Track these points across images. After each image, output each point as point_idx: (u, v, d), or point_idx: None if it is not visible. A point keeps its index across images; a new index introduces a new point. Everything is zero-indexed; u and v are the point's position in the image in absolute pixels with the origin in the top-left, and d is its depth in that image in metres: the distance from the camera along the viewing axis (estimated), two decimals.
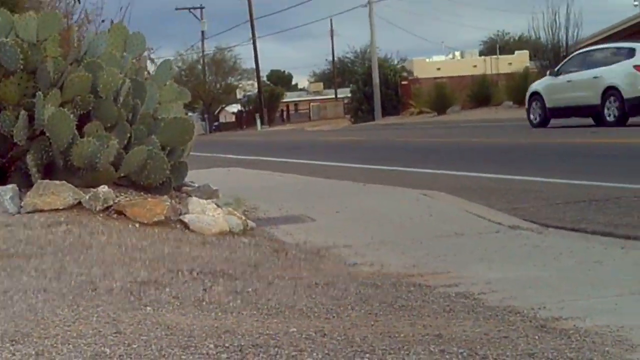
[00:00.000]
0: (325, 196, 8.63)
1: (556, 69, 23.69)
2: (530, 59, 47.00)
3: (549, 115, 22.89)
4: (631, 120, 19.95)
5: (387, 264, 5.10)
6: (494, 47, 69.28)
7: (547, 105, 22.65)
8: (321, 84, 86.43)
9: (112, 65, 6.61)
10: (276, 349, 2.91)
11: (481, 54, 66.75)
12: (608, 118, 20.32)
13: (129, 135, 6.58)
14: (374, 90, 47.53)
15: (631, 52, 20.62)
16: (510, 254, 5.47)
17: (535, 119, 23.38)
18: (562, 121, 22.50)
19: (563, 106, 22.09)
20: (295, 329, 3.28)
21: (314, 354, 2.89)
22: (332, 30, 76.71)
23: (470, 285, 4.44)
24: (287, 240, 6.01)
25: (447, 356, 2.98)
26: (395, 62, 59.75)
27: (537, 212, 7.11)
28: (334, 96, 75.66)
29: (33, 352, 2.71)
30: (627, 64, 20.10)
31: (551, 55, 37.68)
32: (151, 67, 7.96)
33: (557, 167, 10.87)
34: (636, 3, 58.55)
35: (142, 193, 6.46)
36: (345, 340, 3.13)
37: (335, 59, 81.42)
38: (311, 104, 77.48)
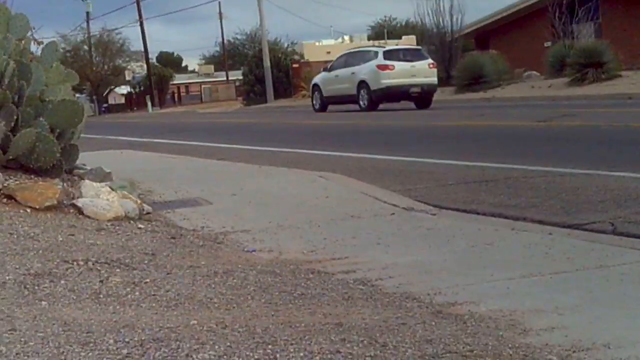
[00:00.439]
0: (220, 178, 8.54)
1: (329, 66, 29.67)
2: (417, 44, 47.73)
3: (325, 102, 28.84)
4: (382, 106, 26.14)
5: (286, 250, 5.07)
6: (382, 32, 70.12)
7: (324, 94, 28.68)
8: (212, 66, 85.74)
9: None
10: (177, 343, 2.83)
11: (370, 38, 67.37)
12: (362, 104, 26.23)
13: (15, 117, 6.38)
14: (265, 73, 47.42)
15: (376, 54, 26.90)
16: (405, 237, 5.50)
17: (317, 105, 29.22)
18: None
19: (334, 95, 28.20)
20: (196, 321, 3.21)
21: (216, 347, 2.83)
22: (220, 13, 76.26)
23: (367, 270, 4.44)
24: (184, 226, 5.90)
25: (348, 345, 2.96)
26: (286, 45, 59.83)
27: (430, 194, 7.20)
28: (225, 79, 75.13)
29: None
30: (372, 64, 26.33)
31: (437, 40, 38.39)
32: (35, 49, 7.69)
33: (446, 149, 11.04)
34: None
35: (32, 176, 6.26)
36: (247, 331, 3.08)
37: (225, 41, 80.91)
38: (202, 86, 76.85)
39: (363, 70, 26.43)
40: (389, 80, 25.56)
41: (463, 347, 2.99)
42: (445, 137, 13.88)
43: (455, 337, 3.13)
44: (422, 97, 25.98)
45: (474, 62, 33.57)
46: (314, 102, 29.54)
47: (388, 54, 26.59)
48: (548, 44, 34.52)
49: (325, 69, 30.07)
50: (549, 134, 13.27)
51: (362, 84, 26.17)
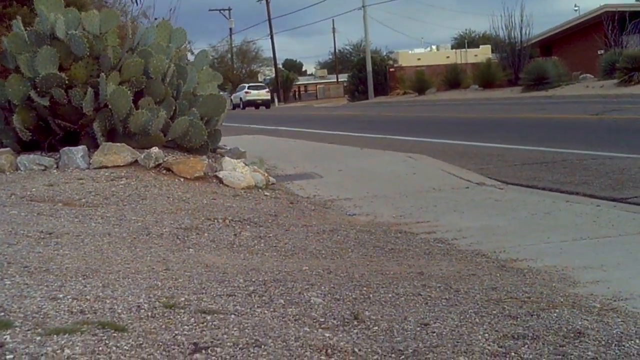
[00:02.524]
0: (330, 158, 8.55)
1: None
2: (492, 52, 46.51)
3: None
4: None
5: (380, 214, 5.04)
6: (463, 42, 68.63)
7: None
8: (325, 70, 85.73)
9: (160, 53, 6.55)
10: (292, 283, 2.86)
11: (453, 47, 66.02)
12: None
13: (174, 108, 6.57)
14: (368, 75, 47.15)
15: (242, 88, 45.09)
16: (477, 206, 5.39)
17: None
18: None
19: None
20: (307, 267, 3.23)
21: (322, 287, 2.84)
22: (333, 28, 76.28)
23: (445, 232, 4.38)
24: (300, 194, 5.95)
25: (427, 289, 2.93)
26: (384, 53, 59.26)
27: (499, 172, 7.04)
28: (335, 80, 75.03)
29: (100, 285, 2.66)
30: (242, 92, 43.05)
31: (508, 49, 37.33)
32: (190, 57, 7.87)
33: (513, 136, 10.74)
34: (576, 8, 57.86)
35: (185, 154, 6.41)
36: (347, 276, 3.08)
37: (337, 50, 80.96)
38: (317, 86, 76.98)
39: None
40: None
41: (522, 294, 2.91)
42: (512, 127, 13.48)
43: (516, 286, 3.05)
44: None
45: (538, 66, 32.51)
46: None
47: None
48: (601, 51, 33.13)
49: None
50: (600, 124, 12.73)
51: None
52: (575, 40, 39.23)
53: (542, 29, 42.00)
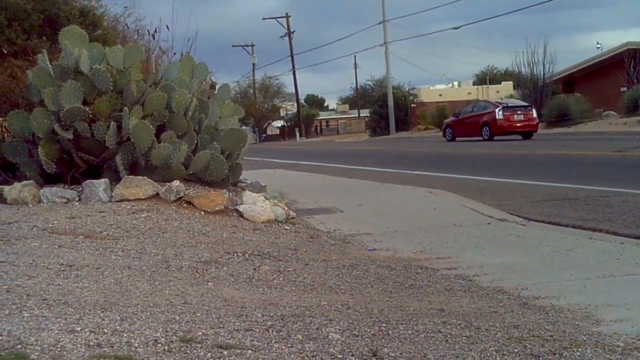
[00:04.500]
0: (350, 192, 8.54)
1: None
2: (514, 88, 46.55)
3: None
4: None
5: (400, 250, 5.00)
6: (485, 78, 68.77)
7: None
8: (347, 105, 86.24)
9: (182, 87, 6.62)
10: (310, 318, 2.83)
11: (474, 83, 66.26)
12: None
13: (195, 141, 6.62)
14: (389, 110, 47.32)
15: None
16: (499, 242, 5.34)
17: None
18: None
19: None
20: (326, 302, 3.20)
21: (341, 323, 2.80)
22: (355, 64, 76.85)
23: (466, 268, 4.33)
24: (320, 228, 5.93)
25: (448, 327, 2.89)
26: (406, 89, 59.48)
27: (521, 208, 6.97)
28: (357, 115, 75.37)
29: (118, 318, 2.65)
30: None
31: (530, 86, 37.34)
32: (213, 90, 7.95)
33: (535, 173, 10.67)
34: (598, 46, 57.89)
35: (206, 187, 6.44)
36: (366, 312, 3.04)
37: (358, 86, 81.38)
38: (339, 121, 77.36)
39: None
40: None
41: (544, 333, 2.86)
42: (535, 163, 13.41)
43: (538, 324, 3.00)
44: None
45: (561, 103, 32.46)
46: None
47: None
48: (624, 89, 33.01)
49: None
50: (623, 161, 12.61)
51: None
52: (597, 77, 39.15)
53: (564, 65, 41.96)
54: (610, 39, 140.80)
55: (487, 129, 27.80)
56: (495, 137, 27.02)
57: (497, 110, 27.79)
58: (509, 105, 28.66)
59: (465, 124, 29.52)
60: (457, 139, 29.61)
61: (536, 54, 36.68)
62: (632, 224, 5.81)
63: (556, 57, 37.43)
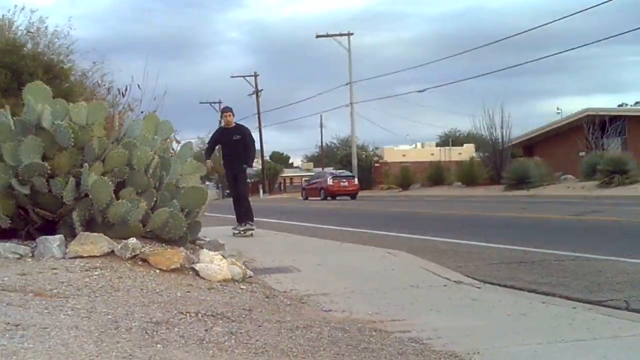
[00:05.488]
0: (310, 252, 8.53)
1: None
2: (475, 151, 47.41)
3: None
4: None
5: (355, 311, 4.98)
6: (448, 140, 69.95)
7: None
8: (311, 163, 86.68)
9: (145, 145, 6.63)
10: None
11: (437, 145, 67.31)
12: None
13: (155, 199, 6.58)
14: (353, 169, 47.76)
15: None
16: (454, 305, 5.35)
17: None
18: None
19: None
20: None
21: None
22: (321, 123, 77.54)
23: (420, 331, 4.32)
24: (277, 288, 5.88)
25: None
26: (371, 149, 60.16)
27: (478, 270, 7.02)
28: None
29: None
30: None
31: (490, 148, 38.08)
32: (176, 146, 7.97)
33: (494, 235, 10.79)
34: (559, 111, 59.50)
35: (163, 245, 6.38)
36: None
37: (323, 144, 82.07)
38: (303, 178, 77.60)
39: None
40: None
41: None
42: (493, 226, 13.57)
43: None
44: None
45: (520, 166, 33.11)
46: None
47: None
48: (582, 153, 33.85)
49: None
50: (580, 225, 12.84)
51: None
52: (557, 142, 40.11)
53: (526, 129, 42.97)
54: (570, 105, 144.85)
55: (323, 191, 38.86)
56: (328, 198, 37.83)
57: (328, 178, 39.29)
58: (337, 175, 40.25)
59: (312, 188, 41.01)
60: (310, 198, 39.87)
61: (493, 118, 37.59)
62: (585, 288, 5.88)
63: (511, 122, 38.38)
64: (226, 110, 11.42)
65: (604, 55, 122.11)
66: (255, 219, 11.59)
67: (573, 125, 37.68)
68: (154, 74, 10.37)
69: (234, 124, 11.50)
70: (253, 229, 11.23)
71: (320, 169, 71.19)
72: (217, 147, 11.81)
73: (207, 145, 12.06)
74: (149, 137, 6.93)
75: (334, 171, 44.28)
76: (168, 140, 7.71)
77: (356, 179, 40.13)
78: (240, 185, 11.48)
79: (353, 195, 37.89)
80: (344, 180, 39.17)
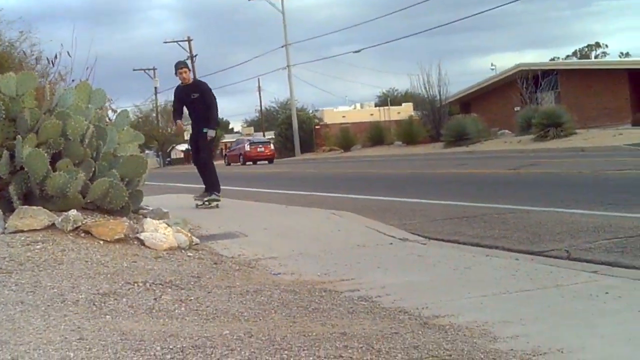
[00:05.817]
0: (255, 216, 8.51)
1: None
2: (414, 109, 47.79)
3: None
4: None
5: (304, 273, 5.01)
6: (386, 100, 70.29)
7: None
8: (252, 128, 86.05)
9: (78, 114, 6.45)
10: (211, 349, 2.78)
11: (376, 105, 67.55)
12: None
13: (93, 169, 6.44)
14: (294, 133, 47.68)
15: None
16: (400, 262, 5.43)
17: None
18: None
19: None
20: (228, 331, 3.15)
21: (242, 352, 2.77)
22: (259, 87, 77.06)
23: (369, 289, 4.37)
24: (225, 254, 5.86)
25: (349, 350, 2.90)
26: (310, 111, 60.02)
27: (422, 227, 7.12)
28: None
29: (9, 357, 2.53)
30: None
31: (429, 106, 38.43)
32: (112, 115, 7.78)
33: (435, 192, 10.96)
34: (493, 67, 60.36)
35: (105, 216, 6.26)
36: (269, 339, 3.02)
37: (263, 109, 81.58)
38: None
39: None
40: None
41: (443, 352, 2.92)
42: (435, 183, 13.78)
43: (437, 344, 3.06)
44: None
45: (458, 123, 33.50)
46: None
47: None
48: (517, 108, 34.49)
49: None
50: (518, 179, 13.14)
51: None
52: (492, 98, 40.77)
53: (461, 87, 43.49)
54: (504, 61, 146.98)
55: (242, 157, 41.48)
56: (247, 163, 39.81)
57: (246, 145, 42.36)
58: (254, 141, 43.72)
59: (233, 154, 43.63)
60: (232, 164, 41.71)
61: (431, 77, 37.85)
62: (526, 240, 6.04)
63: (448, 80, 38.75)
64: (180, 66, 9.97)
65: (532, 12, 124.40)
66: (199, 185, 11.33)
67: (507, 80, 38.28)
68: (85, 42, 9.99)
69: (192, 80, 10.19)
70: (219, 200, 10.01)
71: (260, 134, 71.02)
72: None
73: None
74: (82, 106, 6.74)
75: (251, 138, 48.86)
76: (103, 109, 7.52)
77: (272, 145, 43.93)
78: (201, 151, 10.14)
79: (270, 160, 41.00)
80: (261, 146, 42.57)
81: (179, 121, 10.33)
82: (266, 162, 40.63)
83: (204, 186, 10.30)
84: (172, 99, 10.69)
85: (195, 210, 9.42)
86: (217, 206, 9.80)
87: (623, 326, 3.36)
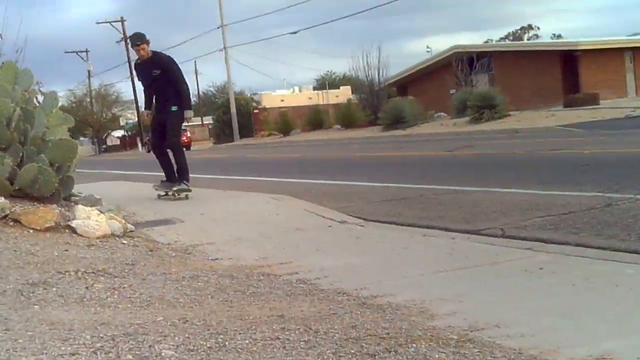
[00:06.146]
0: (192, 201, 8.38)
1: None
2: (352, 93, 47.92)
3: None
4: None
5: (243, 257, 4.95)
6: (325, 83, 70.36)
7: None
8: (191, 112, 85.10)
9: (3, 96, 6.19)
10: (144, 336, 2.69)
11: (315, 88, 67.58)
12: None
13: (21, 154, 6.22)
14: (232, 117, 47.24)
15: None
16: (339, 244, 5.43)
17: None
18: None
19: None
20: (162, 318, 3.07)
21: (176, 338, 2.70)
22: (196, 70, 75.86)
23: (308, 272, 4.35)
24: (161, 240, 5.75)
25: (286, 332, 2.86)
26: (248, 95, 59.60)
27: (360, 209, 7.14)
28: (200, 122, 74.58)
29: None
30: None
31: (367, 89, 38.58)
32: (41, 98, 7.49)
33: (372, 174, 11.01)
34: (428, 50, 61.05)
35: (35, 203, 6.06)
36: (204, 324, 2.95)
37: (200, 92, 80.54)
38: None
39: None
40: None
41: (381, 331, 2.91)
42: (372, 166, 13.86)
43: (376, 323, 3.05)
44: None
45: (395, 106, 33.74)
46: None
47: None
48: (453, 91, 34.91)
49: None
50: (454, 160, 13.33)
51: None
52: (428, 80, 41.19)
53: (398, 69, 43.79)
54: (440, 43, 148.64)
55: None
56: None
57: None
58: None
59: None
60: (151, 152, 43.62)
61: (370, 59, 37.94)
62: (462, 219, 6.11)
63: (388, 62, 38.87)
64: (137, 42, 8.50)
65: None
66: (135, 172, 11.08)
67: (443, 63, 38.69)
68: (14, 24, 9.62)
69: (150, 55, 8.64)
70: (190, 191, 8.72)
71: (198, 119, 70.20)
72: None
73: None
74: (8, 87, 6.49)
75: None
76: (31, 91, 7.25)
77: (188, 132, 44.67)
78: (170, 135, 8.72)
79: (187, 147, 40.98)
80: None
81: (144, 111, 9.18)
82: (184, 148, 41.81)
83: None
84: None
85: (130, 197, 9.22)
86: (186, 197, 8.62)
87: (557, 300, 3.42)
